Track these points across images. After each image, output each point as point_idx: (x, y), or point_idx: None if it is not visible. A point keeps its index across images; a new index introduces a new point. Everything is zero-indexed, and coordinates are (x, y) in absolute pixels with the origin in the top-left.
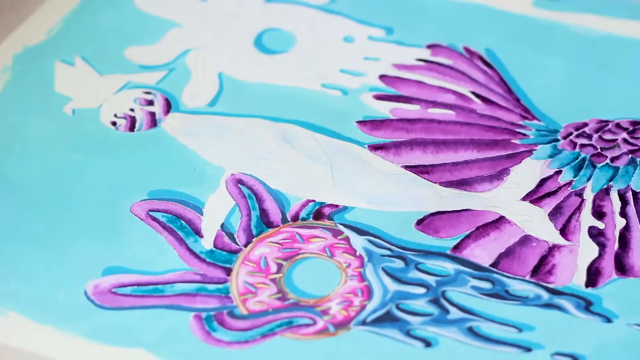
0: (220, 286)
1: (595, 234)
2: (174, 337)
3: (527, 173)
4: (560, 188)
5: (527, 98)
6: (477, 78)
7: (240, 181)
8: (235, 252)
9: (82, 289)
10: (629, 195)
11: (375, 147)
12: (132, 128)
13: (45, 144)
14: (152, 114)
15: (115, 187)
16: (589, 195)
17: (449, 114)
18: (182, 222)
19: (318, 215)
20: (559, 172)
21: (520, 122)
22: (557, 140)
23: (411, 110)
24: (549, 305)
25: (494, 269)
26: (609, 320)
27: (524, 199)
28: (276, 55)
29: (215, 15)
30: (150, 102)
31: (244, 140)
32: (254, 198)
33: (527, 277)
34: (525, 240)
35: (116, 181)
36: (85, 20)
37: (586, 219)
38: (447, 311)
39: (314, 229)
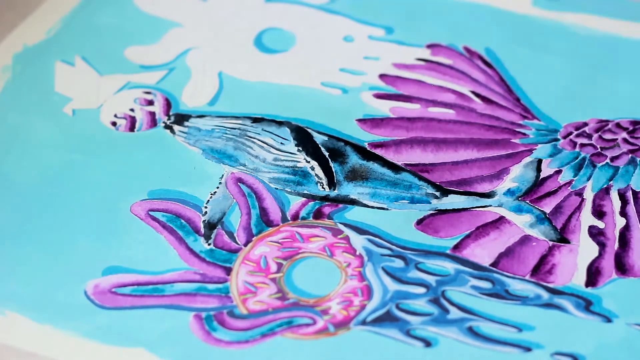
0: (220, 286)
1: (595, 234)
2: (174, 337)
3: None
4: (560, 187)
5: (527, 98)
6: (477, 78)
7: (240, 180)
8: (235, 251)
9: (82, 288)
10: (629, 194)
11: (375, 145)
12: (132, 128)
13: (45, 144)
14: (152, 114)
15: (115, 187)
16: (589, 195)
17: (449, 113)
18: (182, 221)
19: (318, 214)
20: (559, 172)
21: (520, 122)
22: (557, 139)
23: (411, 109)
24: (549, 305)
25: (494, 269)
26: (609, 320)
27: (524, 198)
28: (276, 55)
29: (215, 15)
30: (150, 102)
31: (244, 139)
32: (254, 197)
33: (527, 277)
34: (525, 239)
35: (116, 181)
36: (85, 20)
37: (586, 218)
38: (447, 311)
39: (314, 228)
